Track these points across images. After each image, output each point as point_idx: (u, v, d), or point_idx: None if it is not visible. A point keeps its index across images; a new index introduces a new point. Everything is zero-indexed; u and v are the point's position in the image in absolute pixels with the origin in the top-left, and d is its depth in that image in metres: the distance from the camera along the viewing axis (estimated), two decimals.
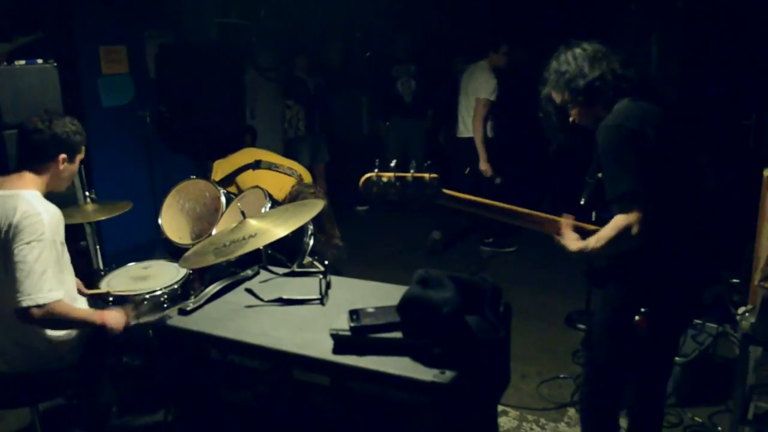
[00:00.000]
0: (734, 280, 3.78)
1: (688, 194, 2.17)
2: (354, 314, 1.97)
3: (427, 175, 1.98)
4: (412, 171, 1.97)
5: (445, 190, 2.04)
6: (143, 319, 2.61)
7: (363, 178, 1.97)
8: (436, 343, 1.83)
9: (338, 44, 7.06)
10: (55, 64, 3.69)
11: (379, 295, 2.26)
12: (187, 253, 2.46)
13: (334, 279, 2.41)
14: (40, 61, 3.66)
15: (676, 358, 3.16)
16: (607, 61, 2.16)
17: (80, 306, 2.57)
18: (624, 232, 1.97)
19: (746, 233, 3.12)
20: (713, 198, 2.44)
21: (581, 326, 4.07)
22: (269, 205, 3.21)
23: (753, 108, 4.79)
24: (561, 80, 2.20)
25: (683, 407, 3.19)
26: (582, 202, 2.25)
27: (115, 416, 3.01)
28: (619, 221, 1.99)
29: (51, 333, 2.42)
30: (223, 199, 3.44)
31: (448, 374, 1.74)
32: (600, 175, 2.12)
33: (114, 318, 2.47)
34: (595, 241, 2.04)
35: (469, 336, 1.86)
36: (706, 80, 4.84)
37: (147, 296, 2.87)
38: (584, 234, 2.12)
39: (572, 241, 2.09)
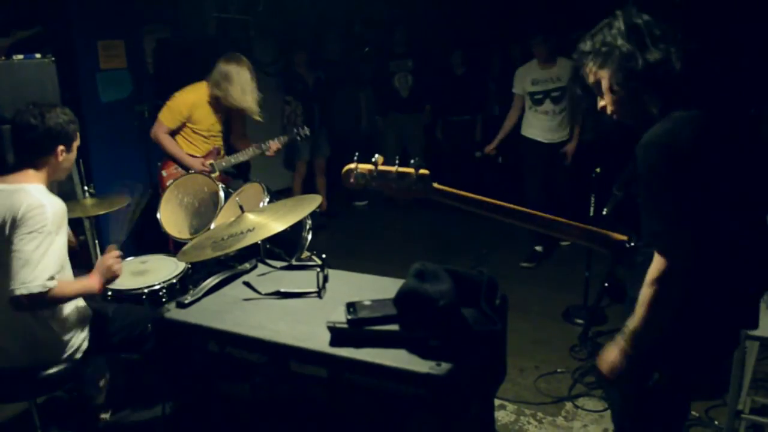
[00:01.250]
0: None
1: (741, 235, 1.76)
2: (351, 307, 1.98)
3: (413, 171, 1.84)
4: (396, 166, 1.85)
5: (437, 185, 1.88)
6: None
7: (344, 169, 1.89)
8: (433, 336, 1.84)
9: (335, 39, 7.06)
10: (53, 59, 3.69)
11: (376, 289, 2.27)
12: (185, 247, 2.47)
13: (332, 272, 2.41)
14: (38, 55, 3.67)
15: None
16: (676, 44, 1.72)
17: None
18: (662, 281, 1.65)
19: None
20: None
21: (579, 321, 4.08)
22: (267, 199, 3.22)
23: (752, 103, 4.80)
24: (614, 54, 1.74)
25: None
26: (604, 212, 1.98)
27: (113, 410, 3.02)
28: (652, 272, 1.67)
29: (52, 329, 2.43)
30: (221, 193, 3.46)
31: (444, 366, 1.75)
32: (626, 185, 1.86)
33: (105, 274, 2.46)
34: (636, 320, 1.71)
35: (465, 328, 1.87)
36: (706, 75, 4.85)
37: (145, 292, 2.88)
38: (609, 243, 1.91)
39: (610, 356, 1.80)
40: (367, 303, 2.00)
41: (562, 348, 3.80)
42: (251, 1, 6.20)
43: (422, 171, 1.84)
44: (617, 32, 1.76)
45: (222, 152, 4.33)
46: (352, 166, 1.86)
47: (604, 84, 1.81)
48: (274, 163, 6.90)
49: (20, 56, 3.62)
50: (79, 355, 2.51)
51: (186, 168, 4.20)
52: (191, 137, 4.20)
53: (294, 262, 2.63)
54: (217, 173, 4.26)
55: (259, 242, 2.63)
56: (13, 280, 2.22)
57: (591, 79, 1.85)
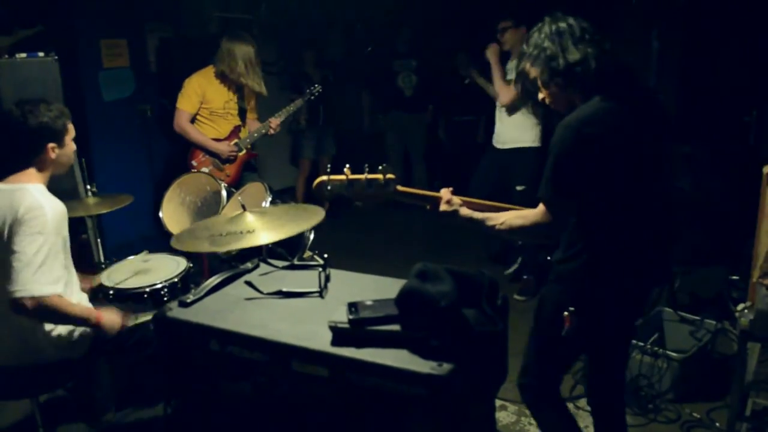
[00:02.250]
0: (733, 277, 3.79)
1: (642, 198, 2.09)
2: (353, 307, 1.98)
3: (381, 176, 2.04)
4: (365, 173, 2.04)
5: (399, 188, 2.09)
6: (140, 320, 2.61)
7: (316, 182, 2.06)
8: (434, 336, 1.84)
9: (339, 39, 7.07)
10: (57, 58, 3.70)
11: (378, 289, 2.27)
12: (179, 233, 2.46)
13: (334, 272, 2.42)
14: (41, 54, 3.68)
15: (675, 354, 3.17)
16: (593, 45, 2.02)
17: (81, 302, 2.57)
18: (534, 229, 2.05)
19: (746, 230, 3.13)
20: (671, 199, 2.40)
21: None
22: (269, 199, 3.23)
23: (753, 104, 4.79)
24: (541, 56, 2.07)
25: (681, 403, 3.20)
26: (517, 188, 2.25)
27: (115, 408, 3.02)
28: (535, 217, 2.05)
29: (53, 328, 2.42)
30: (223, 192, 3.47)
31: (445, 366, 1.75)
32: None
33: (110, 319, 2.47)
34: (506, 219, 2.10)
35: (467, 329, 1.87)
36: (707, 76, 4.84)
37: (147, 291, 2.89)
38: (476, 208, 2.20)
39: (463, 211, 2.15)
40: (369, 303, 2.00)
41: None
42: (254, 1, 6.20)
43: (389, 175, 2.04)
44: (545, 36, 2.07)
45: (243, 130, 4.42)
46: (325, 178, 2.03)
47: (538, 80, 2.11)
48: (277, 161, 6.92)
49: (23, 55, 3.63)
50: (78, 355, 2.52)
51: (214, 154, 4.28)
52: (211, 119, 4.31)
53: (296, 262, 2.63)
54: (244, 151, 4.36)
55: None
56: (14, 282, 2.22)
57: (531, 75, 2.14)
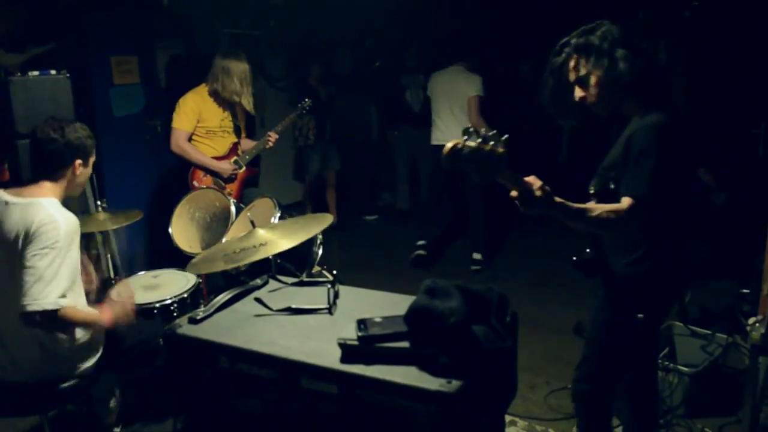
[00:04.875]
0: (744, 291, 3.77)
1: (686, 205, 2.27)
2: (362, 324, 1.98)
3: (503, 150, 1.72)
4: (490, 144, 1.70)
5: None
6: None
7: (449, 145, 1.69)
8: (443, 353, 1.84)
9: (347, 53, 7.12)
10: (68, 75, 3.74)
11: (387, 305, 2.27)
12: (195, 259, 2.48)
13: (343, 289, 2.42)
14: (53, 72, 3.71)
15: (686, 369, 3.15)
16: (651, 58, 2.13)
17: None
18: (618, 223, 2.02)
19: (756, 243, 3.12)
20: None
21: None
22: (278, 214, 3.24)
23: (762, 117, 4.78)
24: (613, 54, 2.05)
25: (692, 418, 3.17)
26: (591, 191, 2.22)
27: (123, 424, 3.02)
28: (624, 213, 2.02)
29: (64, 344, 2.44)
30: (233, 208, 3.48)
31: (455, 383, 1.74)
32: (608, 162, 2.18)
33: (116, 313, 2.48)
34: (593, 212, 2.02)
35: (476, 345, 1.87)
36: (715, 90, 4.84)
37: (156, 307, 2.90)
38: None
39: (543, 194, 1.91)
40: (378, 320, 2.01)
41: (573, 363, 3.73)
42: (262, 16, 6.26)
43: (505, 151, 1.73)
44: (611, 35, 2.07)
45: (239, 148, 4.41)
46: (458, 142, 1.69)
47: (593, 80, 2.10)
48: (284, 176, 6.94)
49: (36, 72, 3.67)
50: (90, 370, 2.53)
51: (214, 173, 4.27)
52: (207, 137, 4.30)
53: (305, 278, 2.63)
54: (243, 168, 4.35)
55: (271, 258, 2.64)
56: (25, 296, 2.24)
57: (581, 72, 2.13)
